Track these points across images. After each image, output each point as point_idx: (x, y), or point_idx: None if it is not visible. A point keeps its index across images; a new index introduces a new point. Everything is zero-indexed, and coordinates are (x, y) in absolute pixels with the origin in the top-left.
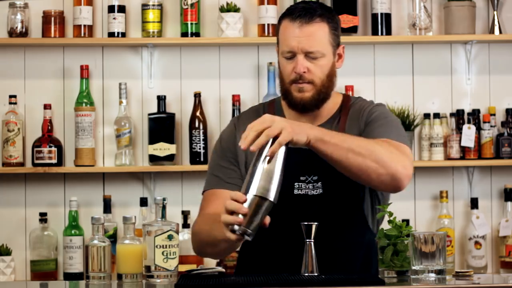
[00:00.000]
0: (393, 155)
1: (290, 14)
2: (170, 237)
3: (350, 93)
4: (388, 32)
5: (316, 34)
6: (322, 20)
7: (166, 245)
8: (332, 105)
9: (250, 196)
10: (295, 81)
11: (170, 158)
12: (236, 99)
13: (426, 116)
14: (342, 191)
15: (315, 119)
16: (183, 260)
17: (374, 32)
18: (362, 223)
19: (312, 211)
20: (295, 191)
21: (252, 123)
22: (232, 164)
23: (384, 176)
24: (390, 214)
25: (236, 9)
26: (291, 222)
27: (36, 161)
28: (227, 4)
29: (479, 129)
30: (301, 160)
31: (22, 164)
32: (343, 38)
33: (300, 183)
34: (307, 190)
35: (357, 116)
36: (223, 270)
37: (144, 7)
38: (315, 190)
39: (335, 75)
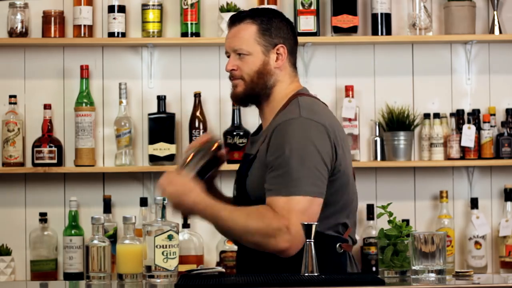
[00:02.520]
0: (265, 236)
1: (228, 21)
2: (170, 237)
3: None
4: (388, 32)
5: (241, 33)
6: (249, 21)
7: (166, 245)
8: (279, 102)
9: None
10: (230, 78)
11: (170, 158)
12: (234, 103)
13: (426, 116)
14: (245, 195)
15: (264, 116)
16: (183, 260)
17: (374, 32)
18: None
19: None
20: (233, 191)
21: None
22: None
23: (266, 250)
24: (390, 214)
25: (236, 9)
26: None
27: (36, 161)
28: (227, 4)
29: (479, 129)
30: (240, 163)
31: (22, 164)
32: (343, 38)
33: (234, 184)
34: (234, 191)
35: (271, 128)
36: (223, 270)
37: (144, 7)
38: (235, 192)
39: (269, 74)
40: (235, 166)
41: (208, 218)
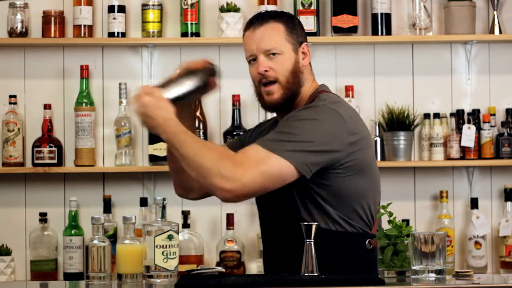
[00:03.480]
0: (216, 165)
1: (246, 25)
2: (170, 237)
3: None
4: (388, 32)
5: (270, 32)
6: (275, 20)
7: (166, 245)
8: (303, 100)
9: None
10: (261, 83)
11: None
12: (236, 99)
13: (426, 116)
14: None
15: (284, 114)
16: (183, 260)
17: (374, 32)
18: (292, 219)
19: (260, 211)
20: None
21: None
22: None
23: (207, 186)
24: (390, 214)
25: (236, 9)
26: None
27: (36, 161)
28: (227, 4)
29: (479, 129)
30: None
31: (22, 164)
32: (343, 38)
33: None
34: None
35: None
36: (223, 270)
37: (144, 7)
38: None
39: (301, 72)
40: None
41: (170, 138)
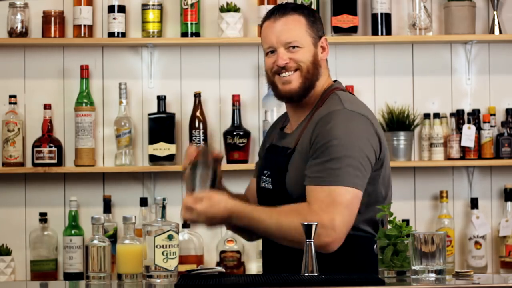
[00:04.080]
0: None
1: (267, 15)
2: (170, 237)
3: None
4: (388, 32)
5: (292, 25)
6: (297, 13)
7: (166, 245)
8: (317, 95)
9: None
10: (277, 73)
11: (170, 158)
12: (236, 99)
13: (426, 116)
14: (286, 188)
15: (302, 114)
16: (183, 260)
17: (374, 32)
18: None
19: (267, 203)
20: (261, 184)
21: (186, 203)
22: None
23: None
24: (390, 214)
25: (236, 9)
26: None
27: (36, 161)
28: (227, 4)
29: (479, 129)
30: (267, 156)
31: (22, 164)
32: (343, 38)
33: (263, 177)
34: (265, 184)
35: (314, 122)
36: (223, 270)
37: (144, 7)
38: (269, 185)
39: (320, 65)
40: (236, 166)
41: (245, 221)
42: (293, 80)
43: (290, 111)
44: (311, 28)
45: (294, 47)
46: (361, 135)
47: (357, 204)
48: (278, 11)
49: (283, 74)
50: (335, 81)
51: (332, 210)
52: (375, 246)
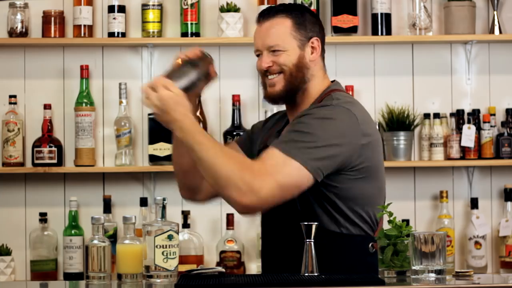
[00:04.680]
0: (234, 177)
1: (256, 18)
2: (170, 237)
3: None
4: (388, 32)
5: (275, 28)
6: (283, 15)
7: (166, 245)
8: (313, 96)
9: None
10: (265, 74)
11: (170, 158)
12: (236, 99)
13: (426, 116)
14: None
15: (293, 112)
16: (183, 260)
17: (374, 32)
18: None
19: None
20: None
21: (153, 82)
22: None
23: (222, 197)
24: (390, 214)
25: (236, 9)
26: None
27: (36, 161)
28: (227, 4)
29: (479, 129)
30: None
31: (22, 164)
32: (343, 38)
33: None
34: None
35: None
36: (223, 270)
37: (144, 7)
38: None
39: (306, 67)
40: None
41: (186, 139)
42: (277, 83)
43: (289, 114)
44: (297, 30)
45: (276, 50)
46: (338, 125)
47: (302, 185)
48: (264, 15)
49: (270, 77)
50: (333, 81)
51: (269, 179)
52: (370, 245)
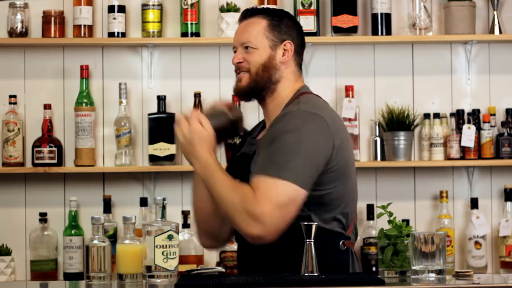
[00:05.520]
0: (239, 209)
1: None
2: (170, 237)
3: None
4: (388, 32)
5: (250, 27)
6: (259, 16)
7: (166, 245)
8: (283, 100)
9: None
10: (236, 70)
11: (170, 158)
12: (236, 99)
13: (426, 116)
14: None
15: (268, 113)
16: (183, 260)
17: (374, 32)
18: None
19: None
20: None
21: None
22: None
23: (237, 230)
24: (390, 214)
25: (236, 9)
26: None
27: (36, 161)
28: (227, 4)
29: (479, 129)
30: (237, 163)
31: (22, 164)
32: (343, 38)
33: None
34: None
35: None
36: (223, 270)
37: (144, 7)
38: None
39: (275, 68)
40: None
41: (206, 175)
42: (242, 79)
43: (265, 116)
44: (271, 31)
45: (247, 47)
46: (311, 133)
47: (297, 200)
48: (244, 14)
49: (238, 73)
50: (302, 86)
51: (266, 203)
52: (341, 243)
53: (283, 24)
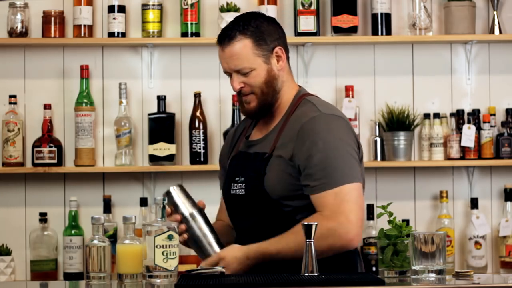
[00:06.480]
0: (329, 239)
1: (217, 39)
2: (170, 237)
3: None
4: (388, 32)
5: (238, 52)
6: (242, 36)
7: (166, 245)
8: (285, 102)
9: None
10: (239, 94)
11: (170, 158)
12: (236, 99)
13: (426, 116)
14: (258, 193)
15: (271, 121)
16: (183, 260)
17: (374, 32)
18: (290, 225)
19: (238, 210)
20: (231, 191)
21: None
22: None
23: (334, 252)
24: (390, 214)
25: (236, 9)
26: (230, 219)
27: (36, 161)
28: (227, 4)
29: (479, 129)
30: (239, 163)
31: (22, 164)
32: (343, 38)
33: (234, 184)
34: (236, 190)
35: (293, 128)
36: (223, 270)
37: (144, 7)
38: (241, 191)
39: (275, 79)
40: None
41: (266, 259)
42: (251, 102)
43: (262, 122)
44: (259, 47)
45: (245, 73)
46: (343, 134)
47: (362, 196)
48: (224, 38)
49: (243, 97)
50: (301, 87)
51: (344, 209)
52: None
53: (265, 33)
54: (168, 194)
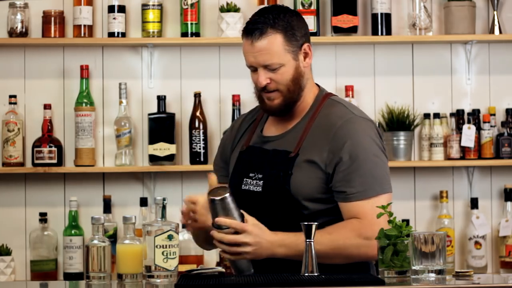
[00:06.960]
0: (364, 248)
1: (244, 30)
2: (170, 237)
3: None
4: (388, 32)
5: (269, 47)
6: (274, 31)
7: (166, 245)
8: (307, 101)
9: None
10: (263, 90)
11: (170, 158)
12: (236, 99)
13: (426, 116)
14: (280, 192)
15: (291, 118)
16: (183, 260)
17: (374, 32)
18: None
19: (250, 207)
20: (242, 186)
21: (229, 237)
22: None
23: (362, 260)
24: (390, 214)
25: (236, 9)
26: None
27: (36, 161)
28: (227, 4)
29: (479, 129)
30: (253, 158)
31: (22, 164)
32: (343, 38)
33: (247, 179)
34: (250, 186)
35: (325, 130)
36: (223, 270)
37: (144, 7)
38: (257, 187)
39: (302, 76)
40: None
41: (292, 251)
42: (276, 98)
43: (275, 119)
44: (289, 43)
45: (274, 68)
46: (377, 140)
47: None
48: (255, 31)
49: (267, 93)
50: (321, 87)
51: (380, 221)
52: None
53: (295, 28)
54: (222, 200)
